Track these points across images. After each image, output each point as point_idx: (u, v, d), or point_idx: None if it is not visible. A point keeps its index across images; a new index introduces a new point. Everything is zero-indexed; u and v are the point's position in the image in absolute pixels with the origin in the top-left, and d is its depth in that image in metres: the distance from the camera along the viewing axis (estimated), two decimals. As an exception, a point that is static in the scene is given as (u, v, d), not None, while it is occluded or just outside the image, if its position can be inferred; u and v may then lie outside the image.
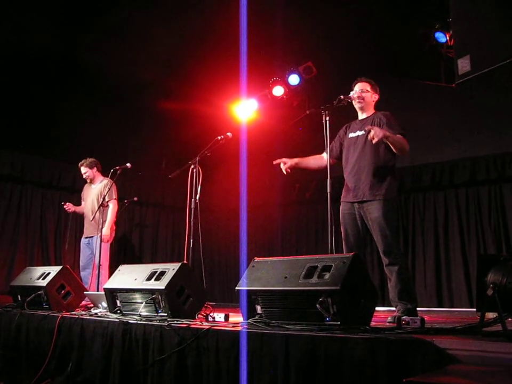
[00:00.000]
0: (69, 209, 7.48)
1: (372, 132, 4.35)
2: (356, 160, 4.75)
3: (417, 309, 4.50)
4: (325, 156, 4.81)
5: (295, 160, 5.03)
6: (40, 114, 8.21)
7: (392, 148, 4.54)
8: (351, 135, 4.90)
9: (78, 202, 7.80)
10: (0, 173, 8.46)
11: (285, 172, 5.02)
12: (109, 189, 6.83)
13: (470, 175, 7.91)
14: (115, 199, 7.32)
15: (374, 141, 4.37)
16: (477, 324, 2.85)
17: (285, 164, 4.99)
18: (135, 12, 7.41)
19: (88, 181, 7.58)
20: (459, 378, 2.09)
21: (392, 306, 4.61)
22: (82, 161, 7.50)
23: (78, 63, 7.89)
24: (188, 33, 7.94)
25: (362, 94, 4.84)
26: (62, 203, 7.56)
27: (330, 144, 4.67)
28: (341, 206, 4.84)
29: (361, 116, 4.94)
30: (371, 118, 4.80)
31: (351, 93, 4.88)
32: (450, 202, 8.26)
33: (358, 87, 4.87)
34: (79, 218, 8.15)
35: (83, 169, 7.49)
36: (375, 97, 4.90)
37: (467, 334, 2.77)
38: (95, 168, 7.52)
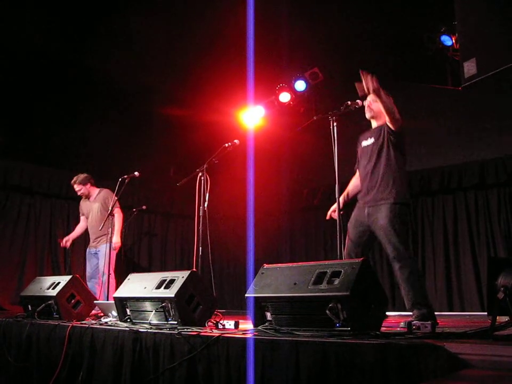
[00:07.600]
0: (64, 245, 7.42)
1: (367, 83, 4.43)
2: (369, 168, 4.72)
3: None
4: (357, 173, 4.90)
5: (340, 200, 4.81)
6: (47, 124, 8.25)
7: (382, 105, 4.51)
8: (364, 143, 4.87)
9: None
10: (9, 183, 8.50)
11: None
12: (112, 200, 6.78)
13: (479, 178, 7.88)
14: (118, 207, 7.28)
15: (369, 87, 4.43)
16: (488, 327, 2.82)
17: (334, 211, 4.92)
18: (142, 19, 7.46)
19: (83, 197, 7.47)
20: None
21: (403, 311, 4.57)
22: (74, 179, 7.34)
23: (85, 72, 7.95)
24: (195, 40, 7.99)
25: (372, 105, 4.78)
26: (58, 240, 7.49)
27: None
28: (355, 208, 4.85)
29: (374, 124, 4.89)
30: (382, 126, 4.75)
31: (365, 102, 4.85)
32: (459, 206, 8.23)
33: (369, 97, 4.76)
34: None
35: (76, 187, 7.35)
36: None
37: (478, 338, 2.75)
38: (88, 184, 7.38)
